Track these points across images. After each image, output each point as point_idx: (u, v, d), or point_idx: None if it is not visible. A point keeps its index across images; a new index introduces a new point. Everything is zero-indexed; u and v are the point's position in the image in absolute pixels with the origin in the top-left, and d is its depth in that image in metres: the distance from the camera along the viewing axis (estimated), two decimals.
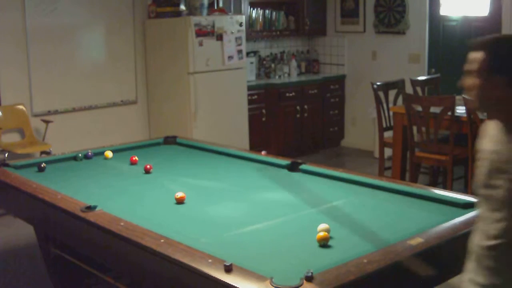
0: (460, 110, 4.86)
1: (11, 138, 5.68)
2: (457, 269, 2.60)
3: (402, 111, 5.17)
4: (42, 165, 3.79)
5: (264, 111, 6.82)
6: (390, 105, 5.73)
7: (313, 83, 7.34)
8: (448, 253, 2.45)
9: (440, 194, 3.01)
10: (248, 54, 6.81)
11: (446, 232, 2.45)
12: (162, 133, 5.03)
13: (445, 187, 5.16)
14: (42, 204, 3.14)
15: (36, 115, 5.75)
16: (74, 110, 6.02)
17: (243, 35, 6.36)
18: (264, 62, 7.37)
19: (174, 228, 2.64)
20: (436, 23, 6.74)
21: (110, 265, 2.97)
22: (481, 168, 1.90)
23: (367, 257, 2.17)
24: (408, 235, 2.40)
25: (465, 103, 4.68)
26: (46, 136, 5.69)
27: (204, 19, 6.02)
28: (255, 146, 6.46)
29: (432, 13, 6.74)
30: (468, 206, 2.80)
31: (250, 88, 6.60)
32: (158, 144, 4.53)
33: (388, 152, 5.72)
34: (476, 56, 1.83)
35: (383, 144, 5.66)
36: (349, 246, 2.37)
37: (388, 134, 5.65)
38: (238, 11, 6.81)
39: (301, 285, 1.97)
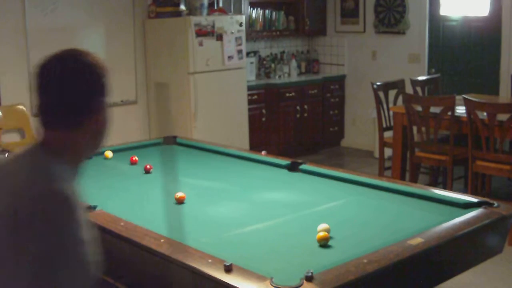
0: (460, 110, 4.86)
1: (11, 138, 5.67)
2: (457, 269, 2.61)
3: (402, 111, 5.17)
4: None
5: (264, 111, 6.82)
6: (390, 105, 5.73)
7: (313, 83, 7.34)
8: (448, 253, 2.45)
9: (440, 194, 3.01)
10: (248, 54, 6.81)
11: (446, 232, 2.45)
12: (162, 133, 5.03)
13: (445, 187, 5.17)
14: None
15: (36, 115, 5.74)
16: None
17: (243, 35, 6.36)
18: (264, 62, 7.37)
19: (174, 228, 2.64)
20: (436, 23, 6.74)
21: (110, 265, 2.96)
22: None
23: (367, 257, 2.16)
24: (408, 235, 2.40)
25: (465, 103, 4.68)
26: None
27: (204, 19, 6.02)
28: (255, 146, 6.46)
29: (432, 13, 6.73)
30: (468, 206, 2.80)
31: (250, 88, 6.60)
32: (158, 144, 4.53)
33: (388, 152, 5.72)
34: None
35: (383, 144, 5.65)
36: (349, 246, 2.37)
37: (388, 134, 5.65)
38: (238, 11, 6.81)
39: (301, 285, 1.97)
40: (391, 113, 5.60)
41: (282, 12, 7.42)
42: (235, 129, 6.34)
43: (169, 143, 4.54)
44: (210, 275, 2.10)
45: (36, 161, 1.32)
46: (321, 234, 2.41)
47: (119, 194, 3.31)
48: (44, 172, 1.27)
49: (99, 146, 1.43)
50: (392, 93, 5.79)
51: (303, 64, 7.74)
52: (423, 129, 5.01)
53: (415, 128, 5.17)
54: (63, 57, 1.38)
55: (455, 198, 2.91)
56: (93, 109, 1.38)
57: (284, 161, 3.68)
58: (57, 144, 1.34)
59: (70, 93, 1.34)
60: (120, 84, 6.32)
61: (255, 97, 6.73)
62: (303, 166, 3.57)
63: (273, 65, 7.41)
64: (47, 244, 1.18)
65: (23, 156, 1.36)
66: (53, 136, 1.35)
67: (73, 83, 1.34)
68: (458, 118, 4.84)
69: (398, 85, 5.80)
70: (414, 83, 5.84)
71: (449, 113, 4.80)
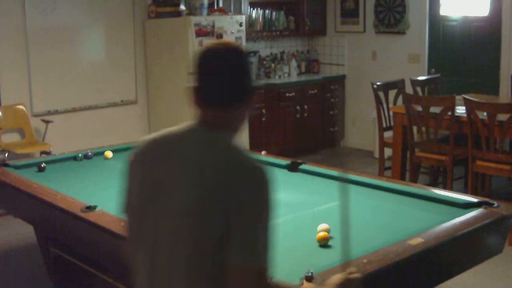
0: (460, 110, 4.86)
1: (11, 138, 5.68)
2: (457, 269, 2.61)
3: (402, 111, 5.17)
4: (42, 165, 3.79)
5: (264, 111, 6.82)
6: (390, 105, 5.73)
7: (313, 83, 7.33)
8: (448, 253, 2.45)
9: (440, 194, 3.01)
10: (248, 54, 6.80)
11: (446, 232, 2.45)
12: None
13: (445, 187, 5.16)
14: (42, 204, 3.14)
15: (36, 115, 5.75)
16: (74, 110, 6.02)
17: (243, 35, 6.36)
18: (264, 62, 7.36)
19: None
20: (436, 23, 6.73)
21: (110, 265, 2.96)
22: None
23: (367, 257, 2.17)
24: (408, 235, 2.40)
25: (465, 103, 4.68)
26: (46, 136, 5.69)
27: (204, 19, 6.02)
28: (255, 146, 6.46)
29: (432, 13, 6.73)
30: (468, 206, 2.80)
31: None
32: None
33: (388, 152, 5.72)
34: None
35: (383, 144, 5.65)
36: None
37: (388, 134, 5.64)
38: (238, 11, 6.81)
39: (301, 285, 1.97)
40: (391, 113, 5.60)
41: (282, 12, 7.42)
42: None
43: None
44: None
45: (217, 137, 1.52)
46: (321, 234, 2.42)
47: (119, 194, 3.30)
48: (233, 147, 1.51)
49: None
50: (392, 93, 5.78)
51: (303, 64, 7.74)
52: (423, 129, 5.01)
53: (415, 128, 5.17)
54: (223, 48, 1.56)
55: (455, 198, 2.91)
56: (248, 91, 1.56)
57: (284, 161, 3.69)
58: (223, 121, 1.53)
59: (234, 78, 1.54)
60: (120, 84, 6.32)
61: (255, 97, 6.71)
62: (303, 166, 3.57)
63: (273, 65, 7.40)
64: (260, 205, 1.42)
65: (198, 133, 1.53)
66: (218, 114, 1.53)
67: (235, 69, 1.54)
68: (458, 118, 4.83)
69: (398, 85, 5.80)
70: (414, 83, 5.84)
71: (449, 113, 4.79)
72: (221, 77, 1.53)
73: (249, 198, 1.41)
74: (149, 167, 1.56)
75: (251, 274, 1.39)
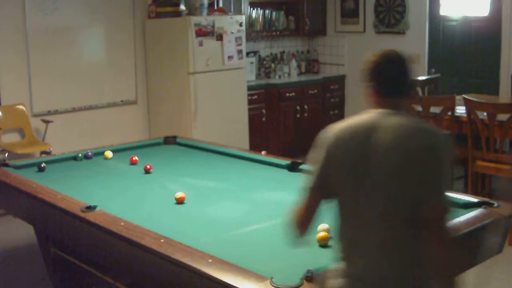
0: (460, 110, 4.86)
1: (11, 138, 5.68)
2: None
3: None
4: (42, 165, 3.79)
5: (264, 111, 6.82)
6: None
7: (313, 83, 7.33)
8: None
9: None
10: (248, 54, 6.81)
11: None
12: (162, 133, 5.03)
13: None
14: (42, 204, 3.14)
15: (36, 115, 5.75)
16: (74, 110, 6.02)
17: (243, 35, 6.36)
18: (264, 62, 7.36)
19: (174, 228, 2.64)
20: (436, 23, 6.74)
21: (110, 265, 2.97)
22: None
23: None
24: None
25: (465, 103, 4.68)
26: (46, 136, 5.69)
27: (204, 19, 6.02)
28: (255, 146, 6.47)
29: (432, 13, 6.73)
30: (468, 206, 2.80)
31: (250, 88, 6.60)
32: (158, 144, 4.53)
33: None
34: None
35: None
36: None
37: None
38: (238, 11, 6.81)
39: (301, 285, 1.97)
40: None
41: (282, 12, 7.42)
42: (235, 129, 6.34)
43: (169, 143, 4.54)
44: (210, 275, 2.10)
45: (403, 115, 1.92)
46: (321, 234, 2.42)
47: (119, 194, 3.31)
48: (416, 119, 1.92)
49: None
50: None
51: (303, 64, 7.74)
52: None
53: None
54: (395, 54, 1.99)
55: (455, 198, 2.91)
56: (413, 84, 2.08)
57: (284, 161, 3.69)
58: (401, 106, 1.96)
59: (407, 75, 1.98)
60: (120, 84, 6.32)
61: (255, 97, 6.73)
62: (303, 166, 3.57)
63: (273, 65, 7.40)
64: (450, 162, 1.85)
65: (387, 115, 1.92)
66: (398, 101, 1.96)
67: (407, 69, 1.98)
68: (458, 118, 4.83)
69: None
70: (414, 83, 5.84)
71: (449, 113, 4.80)
72: (400, 75, 1.98)
73: (440, 154, 1.82)
74: (353, 145, 1.97)
75: (445, 213, 1.82)
